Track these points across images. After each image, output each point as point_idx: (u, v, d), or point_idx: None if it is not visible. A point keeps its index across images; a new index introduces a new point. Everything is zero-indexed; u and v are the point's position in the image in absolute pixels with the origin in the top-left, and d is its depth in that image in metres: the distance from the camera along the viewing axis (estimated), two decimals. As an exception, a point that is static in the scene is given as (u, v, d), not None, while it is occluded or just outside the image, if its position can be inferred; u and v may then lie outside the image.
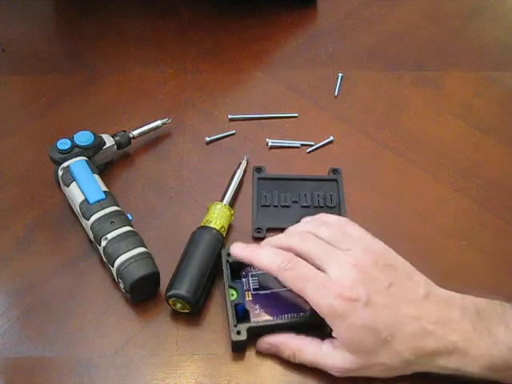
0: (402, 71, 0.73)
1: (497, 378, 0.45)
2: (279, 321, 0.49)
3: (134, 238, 0.52)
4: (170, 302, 0.51)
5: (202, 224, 0.55)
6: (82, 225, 0.55)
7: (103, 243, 0.52)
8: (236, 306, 0.50)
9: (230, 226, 0.57)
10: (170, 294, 0.50)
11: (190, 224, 0.56)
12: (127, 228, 0.53)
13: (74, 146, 0.57)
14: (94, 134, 0.58)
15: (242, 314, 0.50)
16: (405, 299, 0.46)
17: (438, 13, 0.81)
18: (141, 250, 0.51)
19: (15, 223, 0.57)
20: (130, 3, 0.79)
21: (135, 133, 0.62)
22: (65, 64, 0.72)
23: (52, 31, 0.78)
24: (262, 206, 0.59)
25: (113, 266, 0.51)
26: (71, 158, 0.57)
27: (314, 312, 0.47)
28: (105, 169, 0.61)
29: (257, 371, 0.49)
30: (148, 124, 0.63)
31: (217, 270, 0.53)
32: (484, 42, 0.77)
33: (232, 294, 0.51)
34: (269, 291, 0.51)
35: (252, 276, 0.52)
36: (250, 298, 0.51)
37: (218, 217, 0.55)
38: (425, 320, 0.45)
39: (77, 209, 0.55)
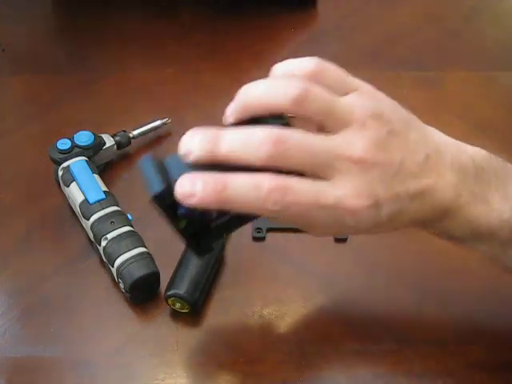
0: (401, 71, 0.73)
1: (473, 245, 0.43)
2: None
3: (134, 238, 0.52)
4: (170, 301, 0.51)
5: (202, 224, 0.55)
6: (82, 225, 0.55)
7: (103, 243, 0.52)
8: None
9: (229, 226, 0.57)
10: (169, 293, 0.50)
11: (190, 224, 0.56)
12: (127, 228, 0.53)
13: (74, 146, 0.57)
14: (94, 134, 0.58)
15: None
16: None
17: (438, 13, 0.81)
18: (141, 250, 0.51)
19: (15, 223, 0.57)
20: (129, 3, 0.79)
21: (135, 133, 0.62)
22: (65, 64, 0.72)
23: (52, 31, 0.78)
24: (262, 206, 0.59)
25: (113, 266, 0.51)
26: (71, 158, 0.57)
27: None
28: (105, 169, 0.61)
29: (257, 371, 0.49)
30: (148, 124, 0.63)
31: (217, 269, 0.54)
32: (484, 42, 0.77)
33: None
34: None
35: None
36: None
37: (217, 217, 0.55)
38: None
39: (77, 209, 0.55)
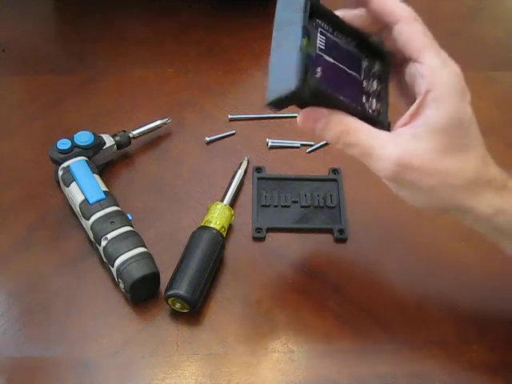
0: (401, 71, 0.72)
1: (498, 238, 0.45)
2: (344, 100, 0.41)
3: (134, 238, 0.52)
4: (169, 301, 0.51)
5: (202, 224, 0.55)
6: (82, 225, 0.55)
7: (103, 243, 0.52)
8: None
9: (230, 226, 0.57)
10: (168, 293, 0.50)
11: (190, 224, 0.56)
12: (127, 228, 0.53)
13: (74, 145, 0.57)
14: (94, 134, 0.58)
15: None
16: None
17: (438, 13, 0.81)
18: (141, 249, 0.51)
19: (15, 223, 0.57)
20: (129, 3, 0.79)
21: (135, 133, 0.62)
22: (65, 64, 0.72)
23: (52, 31, 0.78)
24: (262, 205, 0.59)
25: (113, 266, 0.51)
26: (71, 158, 0.57)
27: None
28: (105, 169, 0.61)
29: (257, 371, 0.49)
30: (148, 124, 0.63)
31: (217, 269, 0.54)
32: (484, 42, 0.77)
33: (306, 40, 0.39)
34: (337, 63, 0.41)
35: (321, 33, 0.41)
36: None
37: (218, 217, 0.55)
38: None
39: (77, 209, 0.55)
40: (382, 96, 0.44)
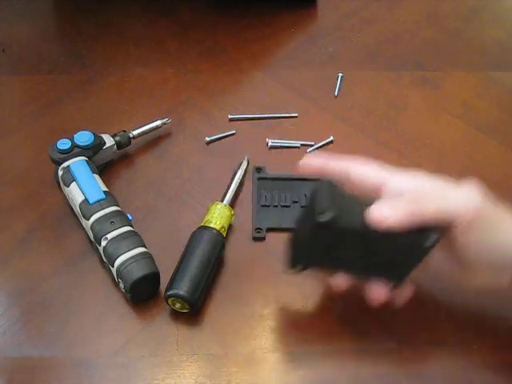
0: (401, 71, 0.73)
1: None
2: None
3: (134, 238, 0.52)
4: (169, 301, 0.51)
5: (202, 224, 0.55)
6: (82, 225, 0.55)
7: (103, 243, 0.52)
8: None
9: (230, 226, 0.57)
10: (168, 293, 0.50)
11: (190, 224, 0.56)
12: (127, 228, 0.53)
13: (74, 145, 0.57)
14: (94, 134, 0.58)
15: None
16: None
17: (438, 13, 0.81)
18: (141, 249, 0.51)
19: (15, 223, 0.57)
20: (129, 3, 0.79)
21: (135, 133, 0.62)
22: (65, 64, 0.72)
23: (52, 31, 0.78)
24: (262, 205, 0.59)
25: (113, 266, 0.51)
26: (71, 158, 0.57)
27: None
28: (105, 169, 0.61)
29: (257, 371, 0.49)
30: (148, 124, 0.63)
31: (217, 269, 0.54)
32: (484, 42, 0.77)
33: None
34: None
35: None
36: None
37: (218, 217, 0.55)
38: None
39: (77, 209, 0.55)
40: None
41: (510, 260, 0.46)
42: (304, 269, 0.49)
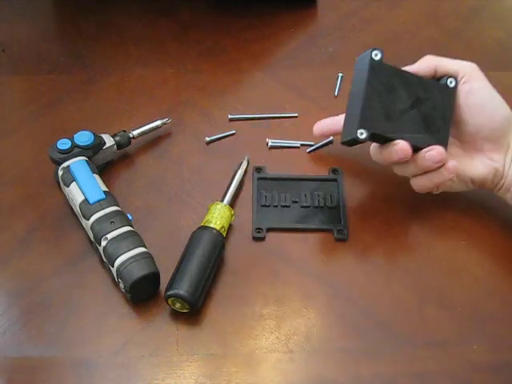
0: (401, 71, 0.72)
1: None
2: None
3: (134, 238, 0.52)
4: (169, 301, 0.51)
5: (202, 224, 0.55)
6: (82, 225, 0.55)
7: (103, 243, 0.52)
8: None
9: (230, 226, 0.57)
10: (168, 293, 0.50)
11: (190, 224, 0.56)
12: (127, 228, 0.53)
13: (74, 145, 0.57)
14: (94, 134, 0.58)
15: None
16: None
17: (438, 13, 0.81)
18: (141, 249, 0.51)
19: (15, 223, 0.57)
20: (129, 3, 0.79)
21: (135, 133, 0.62)
22: (65, 64, 0.72)
23: (52, 31, 0.78)
24: (262, 206, 0.59)
25: (113, 266, 0.51)
26: (71, 158, 0.57)
27: None
28: (105, 169, 0.61)
29: (257, 371, 0.49)
30: (148, 124, 0.63)
31: (217, 269, 0.54)
32: (484, 42, 0.77)
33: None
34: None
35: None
36: None
37: (218, 217, 0.55)
38: None
39: (77, 209, 0.55)
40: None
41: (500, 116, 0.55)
42: (368, 135, 0.53)
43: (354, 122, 0.53)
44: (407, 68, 0.56)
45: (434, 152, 0.53)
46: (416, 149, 0.54)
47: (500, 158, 0.55)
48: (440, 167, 0.54)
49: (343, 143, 0.55)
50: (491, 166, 0.55)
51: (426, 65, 0.57)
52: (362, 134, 0.52)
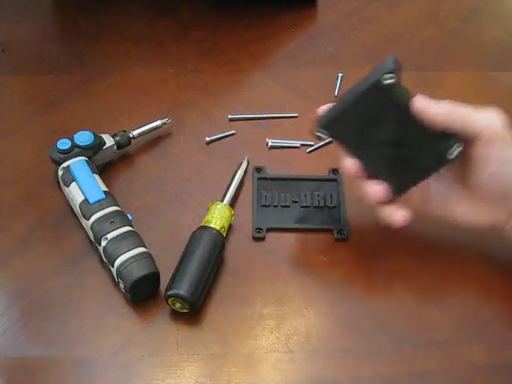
0: (401, 71, 0.73)
1: None
2: None
3: (134, 238, 0.52)
4: (169, 301, 0.51)
5: (202, 224, 0.55)
6: (82, 225, 0.55)
7: (103, 243, 0.52)
8: None
9: (230, 226, 0.57)
10: (168, 293, 0.50)
11: (190, 224, 0.56)
12: (127, 228, 0.53)
13: (74, 145, 0.57)
14: (94, 134, 0.58)
15: None
16: None
17: (438, 13, 0.81)
18: (141, 249, 0.51)
19: (15, 223, 0.57)
20: (129, 3, 0.79)
21: (135, 133, 0.62)
22: (65, 64, 0.72)
23: (52, 31, 0.78)
24: (262, 206, 0.59)
25: (113, 266, 0.51)
26: (71, 158, 0.57)
27: None
28: (105, 169, 0.61)
29: (257, 371, 0.49)
30: (148, 124, 0.63)
31: (217, 269, 0.54)
32: (484, 42, 0.77)
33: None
34: None
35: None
36: None
37: (218, 217, 0.55)
38: None
39: (77, 209, 0.55)
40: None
41: None
42: (328, 136, 0.50)
43: (323, 119, 0.51)
44: (422, 104, 0.49)
45: (373, 187, 0.50)
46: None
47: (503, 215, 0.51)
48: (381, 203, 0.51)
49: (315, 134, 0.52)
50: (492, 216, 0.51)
51: (445, 114, 0.49)
52: (320, 134, 0.51)
